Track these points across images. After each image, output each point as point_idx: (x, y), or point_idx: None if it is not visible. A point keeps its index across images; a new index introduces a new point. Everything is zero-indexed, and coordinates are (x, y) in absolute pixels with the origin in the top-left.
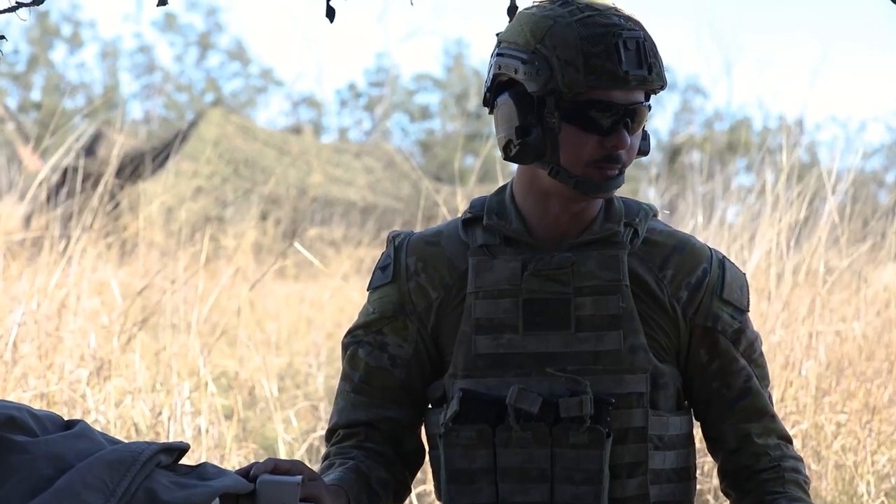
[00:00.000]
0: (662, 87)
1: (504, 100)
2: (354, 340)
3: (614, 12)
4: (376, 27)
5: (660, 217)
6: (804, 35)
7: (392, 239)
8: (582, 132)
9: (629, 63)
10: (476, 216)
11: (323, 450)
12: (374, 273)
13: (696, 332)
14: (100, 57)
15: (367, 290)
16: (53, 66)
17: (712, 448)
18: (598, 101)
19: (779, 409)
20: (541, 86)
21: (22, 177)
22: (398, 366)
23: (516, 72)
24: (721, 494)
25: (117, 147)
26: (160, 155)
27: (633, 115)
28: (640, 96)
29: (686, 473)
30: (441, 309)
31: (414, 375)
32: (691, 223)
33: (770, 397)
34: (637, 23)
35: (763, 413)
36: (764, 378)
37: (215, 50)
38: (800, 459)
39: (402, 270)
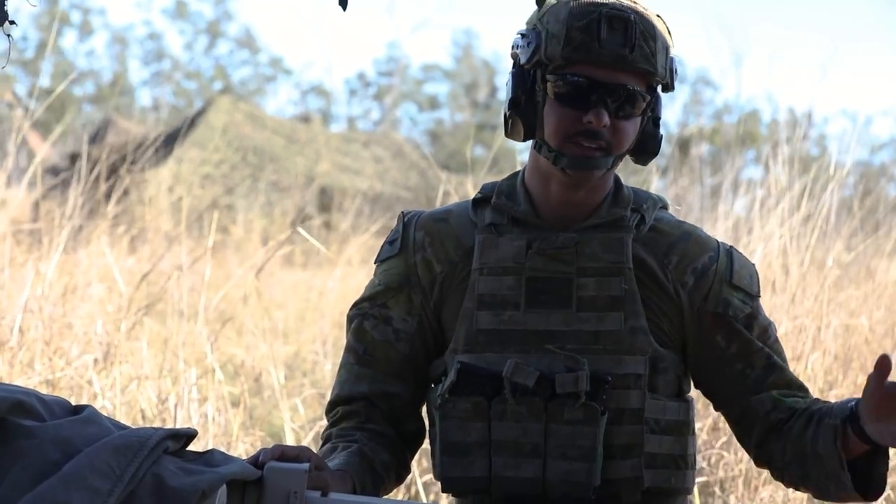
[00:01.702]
0: (655, 75)
1: (508, 76)
2: (360, 313)
3: None
4: (386, 18)
5: (671, 211)
6: (813, 30)
7: (403, 215)
8: (561, 106)
9: (609, 40)
10: (486, 197)
11: None
12: (382, 247)
13: (707, 320)
14: (109, 44)
15: (375, 262)
16: (63, 53)
17: (744, 428)
18: (577, 76)
19: None
20: (528, 57)
21: (37, 165)
22: (402, 339)
23: (517, 47)
24: (727, 486)
25: (127, 135)
26: (169, 142)
27: (615, 96)
28: (629, 79)
29: (684, 461)
30: (445, 284)
31: (417, 350)
32: (699, 214)
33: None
34: (639, 11)
35: (792, 384)
36: (783, 362)
37: (225, 38)
38: None
39: (410, 244)
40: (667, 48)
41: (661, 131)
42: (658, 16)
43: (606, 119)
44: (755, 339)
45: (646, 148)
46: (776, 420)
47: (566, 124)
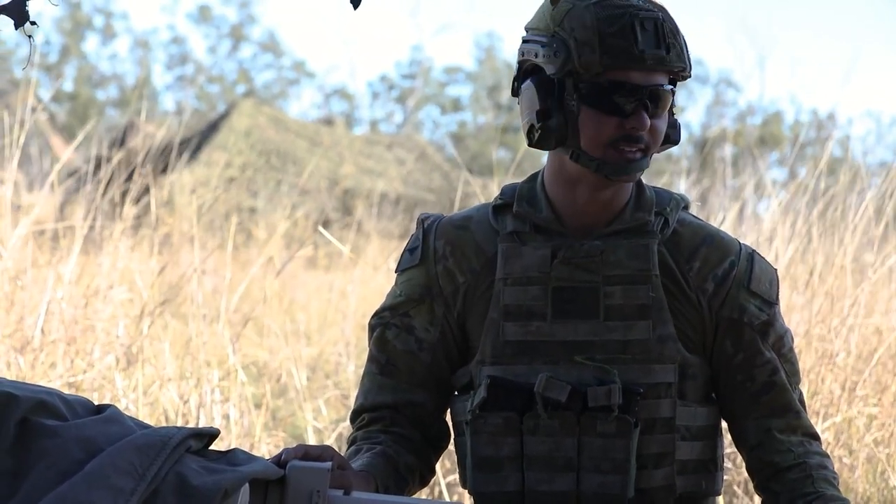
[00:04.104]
0: (684, 70)
1: (527, 85)
2: (381, 322)
3: None
4: (409, 20)
5: (692, 209)
6: (836, 32)
7: (421, 221)
8: (600, 114)
9: (646, 43)
10: (506, 203)
11: None
12: (402, 255)
13: (722, 325)
14: (132, 48)
15: (395, 272)
16: (86, 57)
17: (737, 445)
18: (616, 83)
19: (811, 403)
20: (558, 68)
21: (54, 168)
22: (425, 349)
23: (536, 56)
24: (751, 487)
25: (143, 138)
26: (192, 146)
27: (652, 97)
28: (661, 78)
29: (714, 464)
30: (468, 294)
31: (440, 360)
32: (722, 216)
33: (800, 394)
34: (657, 5)
35: (787, 409)
36: (794, 374)
37: (248, 42)
38: (826, 456)
39: (431, 253)
40: (685, 39)
41: (679, 121)
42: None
43: (648, 121)
44: (766, 350)
45: (669, 138)
46: (758, 463)
47: (608, 132)
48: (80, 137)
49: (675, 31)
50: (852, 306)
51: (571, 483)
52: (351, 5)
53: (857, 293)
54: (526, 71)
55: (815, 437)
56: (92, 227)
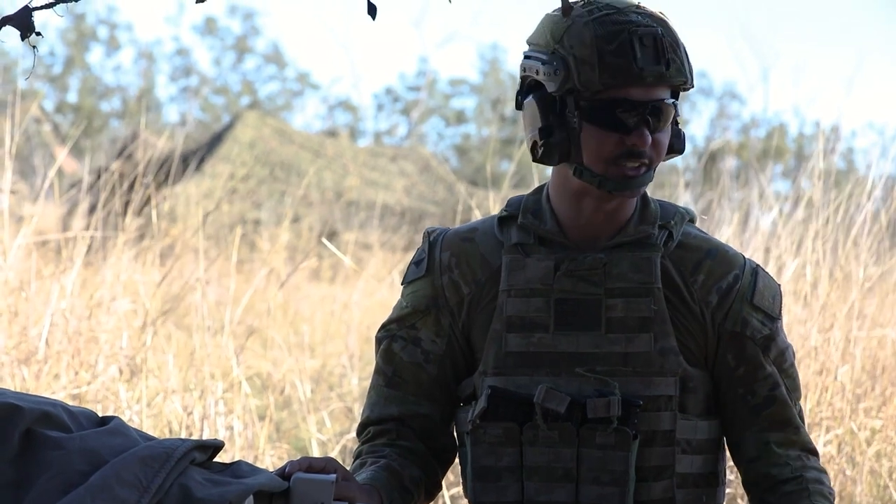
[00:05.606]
0: (686, 83)
1: (529, 101)
2: (388, 335)
3: (634, 9)
4: (413, 32)
5: (698, 222)
6: (839, 43)
7: (428, 234)
8: (602, 131)
9: (645, 59)
10: (512, 215)
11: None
12: (408, 268)
13: (724, 338)
14: (136, 60)
15: (402, 284)
16: (90, 69)
17: (734, 457)
18: (616, 100)
19: (814, 415)
20: (559, 85)
21: (58, 178)
22: (431, 361)
23: (537, 73)
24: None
25: (145, 149)
26: (196, 157)
27: (654, 112)
28: (662, 93)
29: (714, 479)
30: (472, 305)
31: (447, 371)
32: (726, 229)
33: (800, 410)
34: (659, 19)
35: (786, 423)
36: (795, 389)
37: (252, 53)
38: (823, 472)
39: (436, 265)
40: (686, 50)
41: (683, 129)
42: (661, 12)
43: (649, 138)
44: (767, 364)
45: (673, 148)
46: (755, 476)
47: (609, 149)
48: (72, 141)
49: (674, 44)
50: (856, 318)
51: (570, 494)
52: (369, 16)
53: (862, 305)
54: (529, 86)
55: (814, 452)
56: (94, 238)
